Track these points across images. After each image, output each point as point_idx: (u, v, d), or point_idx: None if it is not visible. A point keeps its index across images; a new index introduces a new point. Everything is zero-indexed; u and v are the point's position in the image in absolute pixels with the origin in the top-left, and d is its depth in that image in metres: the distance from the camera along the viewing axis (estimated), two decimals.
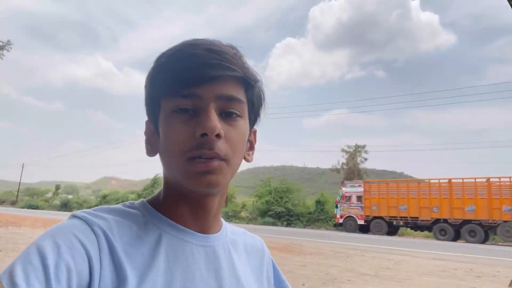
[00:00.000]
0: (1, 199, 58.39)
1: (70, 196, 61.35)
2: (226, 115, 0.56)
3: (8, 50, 19.28)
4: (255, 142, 0.67)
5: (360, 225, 22.13)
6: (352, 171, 39.61)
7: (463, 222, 18.88)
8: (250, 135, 0.63)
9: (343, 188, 23.37)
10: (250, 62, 0.60)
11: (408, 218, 20.58)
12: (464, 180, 19.59)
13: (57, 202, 48.55)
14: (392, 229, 21.61)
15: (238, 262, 0.65)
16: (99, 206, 0.57)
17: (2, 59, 19.27)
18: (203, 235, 0.61)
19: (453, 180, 19.99)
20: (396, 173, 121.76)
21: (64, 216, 30.14)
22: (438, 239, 19.39)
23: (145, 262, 0.52)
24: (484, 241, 18.51)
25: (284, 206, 28.20)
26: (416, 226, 20.76)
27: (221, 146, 0.53)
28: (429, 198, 20.03)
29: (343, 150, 42.89)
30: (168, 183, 0.60)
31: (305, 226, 26.91)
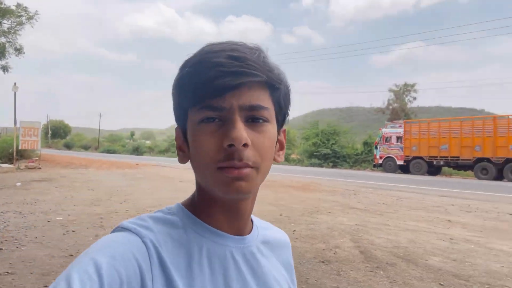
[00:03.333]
0: (87, 145, 66.72)
1: (147, 141, 67.67)
2: (253, 121, 0.55)
3: (36, 20, 21.48)
4: (285, 141, 0.66)
5: (400, 165, 22.23)
6: (395, 111, 38.03)
7: (506, 161, 18.19)
8: (279, 135, 0.63)
9: (383, 129, 23.24)
10: (274, 60, 0.59)
11: (449, 158, 20.27)
12: (510, 117, 18.48)
13: (130, 147, 54.14)
14: (433, 169, 21.44)
15: (272, 258, 0.67)
16: (142, 215, 0.58)
17: (33, 27, 21.60)
18: (240, 237, 0.62)
19: (498, 118, 18.96)
20: (476, 111, 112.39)
21: (134, 158, 33.86)
22: (479, 178, 18.99)
23: (191, 271, 0.54)
24: None
25: (330, 148, 28.83)
26: (457, 165, 20.40)
27: (249, 155, 0.53)
28: (471, 137, 19.34)
29: (391, 90, 41.02)
30: (201, 188, 0.60)
31: (351, 167, 27.48)
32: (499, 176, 18.55)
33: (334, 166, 28.25)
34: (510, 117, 18.61)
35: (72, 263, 0.47)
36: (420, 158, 21.33)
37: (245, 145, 0.53)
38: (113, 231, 0.55)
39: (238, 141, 0.52)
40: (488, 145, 18.79)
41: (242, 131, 0.52)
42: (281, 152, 0.65)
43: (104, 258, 0.47)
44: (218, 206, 0.60)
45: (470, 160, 19.45)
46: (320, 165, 28.46)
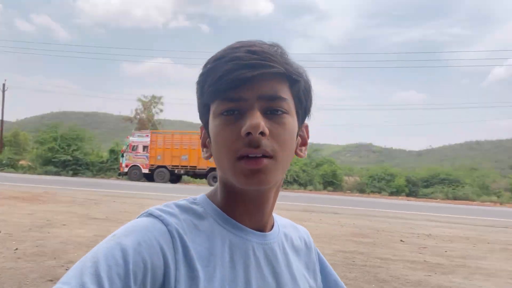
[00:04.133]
0: None
1: None
2: (271, 113, 0.55)
3: None
4: (308, 137, 0.66)
5: (145, 173, 22.85)
6: (143, 121, 39.62)
7: None
8: (300, 130, 0.63)
9: (130, 138, 23.42)
10: (294, 58, 0.60)
11: (188, 167, 22.48)
12: None
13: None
14: (174, 177, 23.17)
15: (292, 258, 0.67)
16: (169, 202, 0.59)
17: None
18: (261, 233, 0.62)
19: None
20: None
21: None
22: (211, 185, 21.90)
23: (213, 262, 0.54)
24: None
25: (71, 155, 26.26)
26: (195, 174, 22.94)
27: (267, 143, 0.54)
28: None
29: (139, 100, 42.14)
30: (223, 182, 0.61)
31: (94, 176, 25.90)
32: None
33: (75, 174, 25.87)
34: None
35: (99, 245, 0.49)
36: (164, 167, 22.60)
37: (263, 133, 0.53)
38: (140, 216, 0.56)
39: (255, 128, 0.52)
40: None
41: (259, 119, 0.53)
42: (303, 148, 0.64)
43: (131, 243, 0.48)
44: (239, 200, 0.60)
45: (205, 169, 22.18)
46: (58, 173, 25.40)
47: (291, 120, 0.58)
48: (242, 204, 0.60)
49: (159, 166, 22.67)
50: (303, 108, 0.62)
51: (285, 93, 0.57)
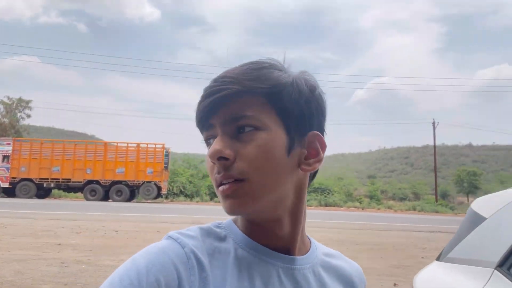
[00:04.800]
0: None
1: None
2: (240, 133, 0.54)
3: None
4: (323, 147, 0.59)
5: (4, 188, 19.74)
6: (4, 127, 34.24)
7: (112, 183, 20.34)
8: (302, 142, 0.58)
9: None
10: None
11: (60, 180, 20.15)
12: (118, 144, 21.12)
13: None
14: (42, 192, 20.50)
15: (330, 286, 0.62)
16: (192, 226, 0.59)
17: None
18: (290, 256, 0.59)
19: (108, 144, 21.12)
20: (87, 136, 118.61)
21: None
22: (88, 199, 19.99)
23: (230, 283, 0.53)
24: (129, 199, 20.73)
25: None
26: (69, 187, 20.65)
27: (234, 167, 0.53)
28: (84, 160, 20.28)
29: (2, 103, 36.08)
30: None
31: None
32: (106, 197, 20.37)
33: None
34: (118, 144, 21.12)
35: (119, 268, 0.51)
36: (29, 180, 19.86)
37: (224, 158, 0.53)
38: (162, 240, 0.56)
39: (212, 156, 0.53)
40: (98, 168, 20.34)
41: (215, 145, 0.53)
42: (311, 160, 0.58)
43: (145, 264, 0.49)
44: (255, 225, 0.58)
45: (81, 182, 20.17)
46: None
47: (265, 135, 0.54)
48: (258, 227, 0.58)
49: (23, 179, 19.79)
50: (296, 117, 0.57)
51: (256, 107, 0.55)
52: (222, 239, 0.58)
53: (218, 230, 0.59)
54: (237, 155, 0.53)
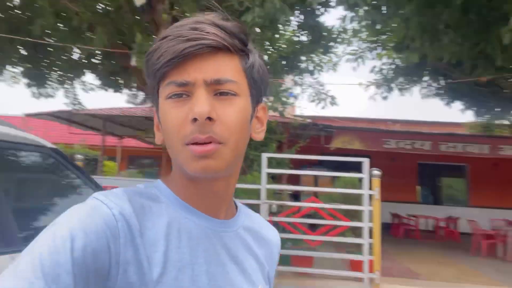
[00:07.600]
0: None
1: None
2: (221, 95, 0.53)
3: None
4: (266, 118, 0.64)
5: None
6: None
7: None
8: (256, 112, 0.61)
9: None
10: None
11: None
12: None
13: None
14: None
15: (252, 249, 0.64)
16: (120, 188, 0.55)
17: None
18: (218, 220, 0.60)
19: None
20: None
21: None
22: None
23: (162, 245, 0.52)
24: None
25: None
26: None
27: (215, 129, 0.52)
28: None
29: None
30: (176, 167, 0.59)
31: None
32: None
33: None
34: None
35: (41, 234, 0.47)
36: None
37: (210, 119, 0.51)
38: (86, 201, 0.52)
39: (200, 115, 0.50)
40: None
41: (205, 105, 0.51)
42: (260, 130, 0.63)
43: (71, 229, 0.46)
44: (192, 185, 0.58)
45: None
46: None
47: (242, 102, 0.55)
48: (195, 189, 0.58)
49: None
50: (258, 88, 0.59)
51: (235, 73, 0.55)
52: (154, 199, 0.56)
53: (150, 190, 0.58)
54: (217, 118, 0.52)
